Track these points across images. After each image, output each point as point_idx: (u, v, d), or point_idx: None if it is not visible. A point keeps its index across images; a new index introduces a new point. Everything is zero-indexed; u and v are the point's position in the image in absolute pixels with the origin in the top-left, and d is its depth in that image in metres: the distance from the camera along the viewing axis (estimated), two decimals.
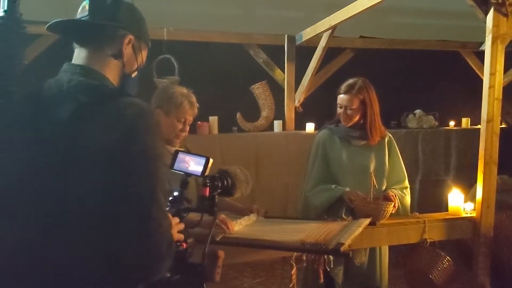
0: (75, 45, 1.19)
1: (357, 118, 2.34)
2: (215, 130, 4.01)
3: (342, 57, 4.56)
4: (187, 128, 2.23)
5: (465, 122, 4.89)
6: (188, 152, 1.34)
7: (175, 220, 1.19)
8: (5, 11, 1.12)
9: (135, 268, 1.01)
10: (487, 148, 2.38)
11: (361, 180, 2.27)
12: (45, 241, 1.00)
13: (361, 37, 4.52)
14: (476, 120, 4.38)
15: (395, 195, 2.28)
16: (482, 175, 2.39)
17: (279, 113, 4.29)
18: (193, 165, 1.31)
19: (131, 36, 1.19)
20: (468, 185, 3.01)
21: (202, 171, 1.29)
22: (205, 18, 3.89)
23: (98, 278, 1.01)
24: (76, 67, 1.13)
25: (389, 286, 2.50)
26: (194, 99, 2.20)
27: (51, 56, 3.28)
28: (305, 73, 4.22)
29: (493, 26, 2.33)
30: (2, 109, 1.09)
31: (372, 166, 2.33)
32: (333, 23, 3.50)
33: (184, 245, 1.20)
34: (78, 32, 1.17)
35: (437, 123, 4.73)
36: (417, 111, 4.71)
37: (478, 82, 2.66)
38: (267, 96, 4.19)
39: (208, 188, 1.34)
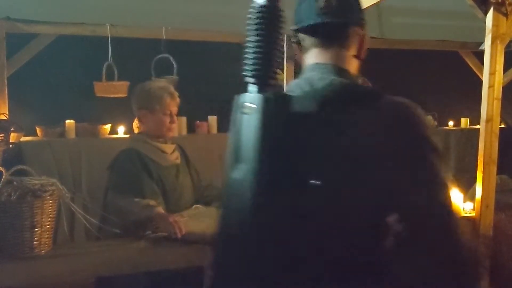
0: (316, 44, 1.14)
1: None
2: (214, 130, 4.01)
3: None
4: (175, 118, 2.26)
5: (464, 122, 4.89)
6: None
7: None
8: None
9: None
10: (486, 148, 2.38)
11: None
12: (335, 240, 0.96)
13: None
14: (475, 120, 4.39)
15: None
16: (482, 175, 2.39)
17: None
18: None
19: (366, 34, 1.18)
20: (467, 185, 3.00)
21: None
22: (204, 17, 3.88)
23: None
24: (326, 66, 1.10)
25: None
26: (172, 89, 2.21)
27: (49, 56, 3.26)
28: None
29: (493, 25, 2.32)
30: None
31: None
32: None
33: None
34: (325, 33, 1.13)
35: (436, 123, 4.73)
36: None
37: (477, 82, 2.66)
38: None
39: None
